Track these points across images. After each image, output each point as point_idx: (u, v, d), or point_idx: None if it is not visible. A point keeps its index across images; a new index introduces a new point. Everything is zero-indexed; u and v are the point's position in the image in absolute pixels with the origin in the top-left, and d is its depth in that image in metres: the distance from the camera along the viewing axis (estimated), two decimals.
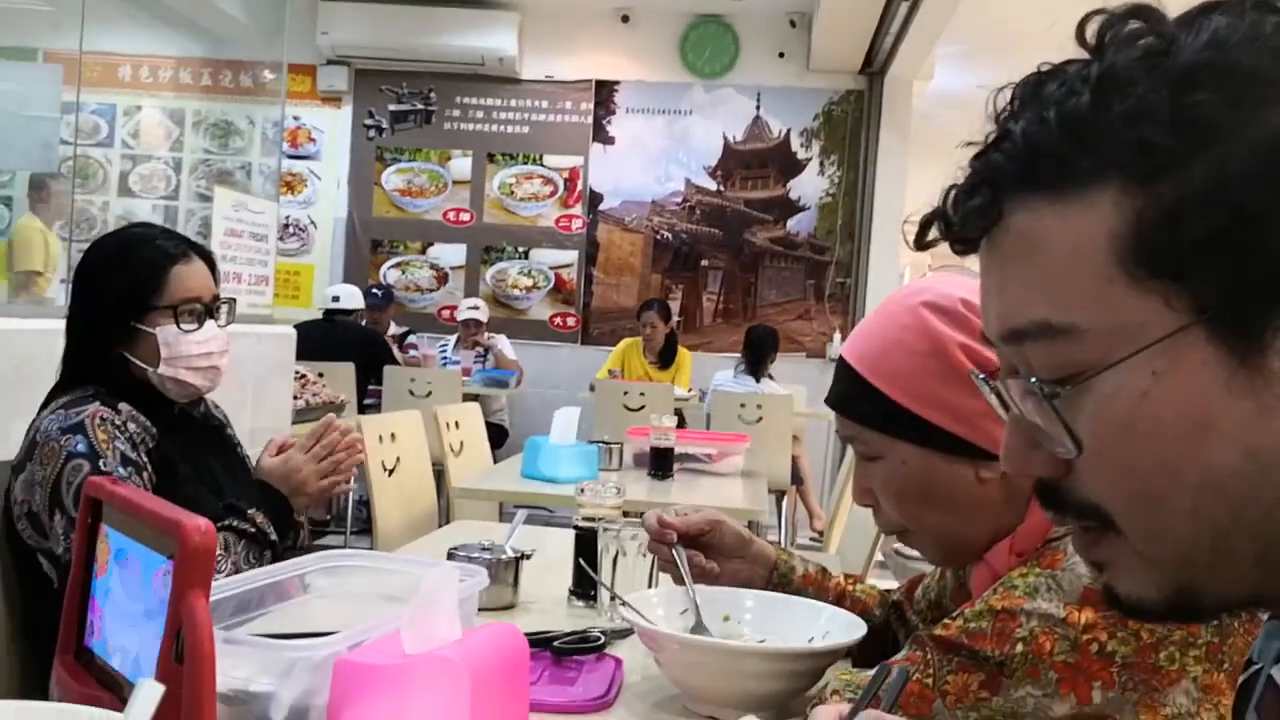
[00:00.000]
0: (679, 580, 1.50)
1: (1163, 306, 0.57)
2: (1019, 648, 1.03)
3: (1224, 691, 1.00)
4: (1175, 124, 0.56)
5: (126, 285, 1.80)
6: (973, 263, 0.70)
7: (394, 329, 7.32)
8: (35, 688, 1.31)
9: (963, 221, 0.64)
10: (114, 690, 1.03)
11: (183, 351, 1.80)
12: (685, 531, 1.52)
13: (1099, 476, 0.61)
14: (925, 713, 1.05)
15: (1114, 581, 0.64)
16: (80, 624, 1.14)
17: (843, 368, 1.22)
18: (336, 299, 6.71)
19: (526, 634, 1.26)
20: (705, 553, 1.52)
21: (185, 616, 0.94)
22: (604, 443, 3.56)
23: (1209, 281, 0.56)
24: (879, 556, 3.93)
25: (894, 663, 1.09)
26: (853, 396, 1.21)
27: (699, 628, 1.42)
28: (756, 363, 6.44)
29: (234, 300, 1.92)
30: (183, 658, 0.94)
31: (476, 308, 7.19)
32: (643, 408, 5.45)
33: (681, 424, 4.97)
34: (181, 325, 1.80)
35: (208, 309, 1.84)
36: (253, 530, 1.74)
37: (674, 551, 1.50)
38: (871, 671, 1.14)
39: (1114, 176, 0.58)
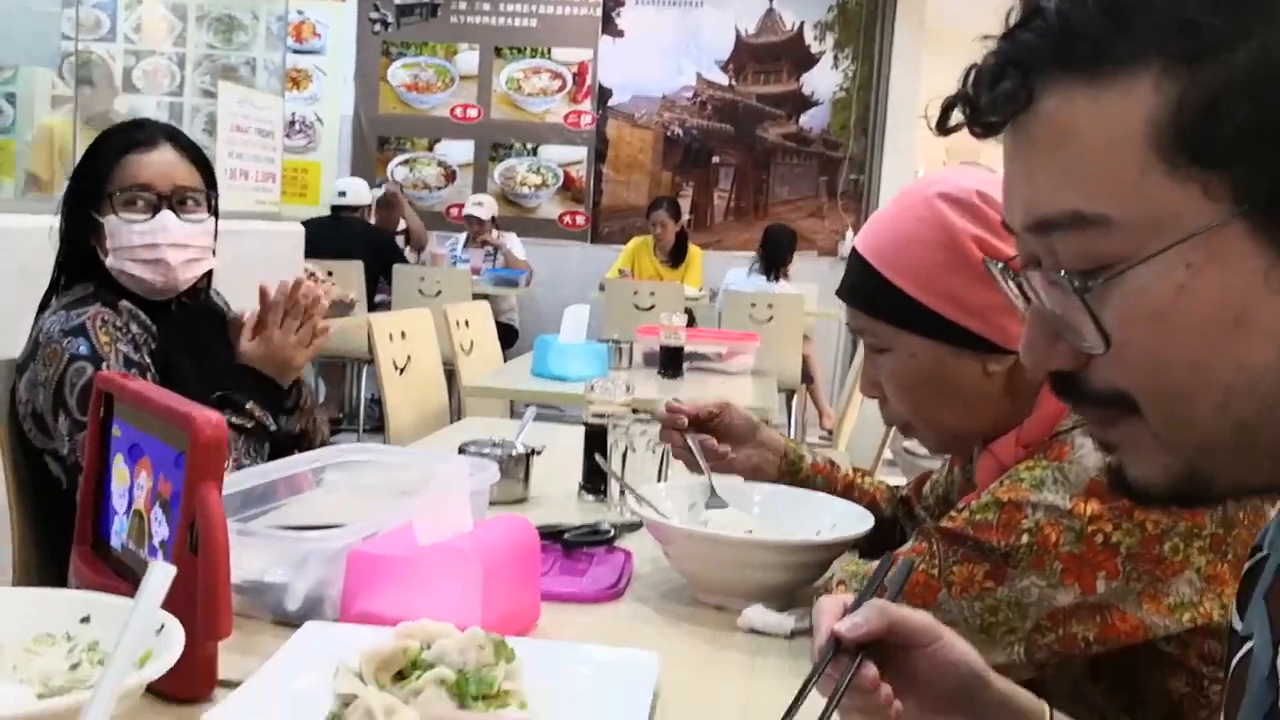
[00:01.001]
0: (693, 467, 1.51)
1: (1201, 197, 0.55)
2: (1024, 539, 1.04)
3: (1227, 581, 1.01)
4: (1221, 3, 0.54)
5: (88, 172, 1.78)
6: (989, 158, 0.69)
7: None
8: (53, 580, 1.34)
9: (990, 106, 0.61)
10: (130, 579, 1.05)
11: (124, 242, 1.73)
12: (695, 415, 1.53)
13: (1124, 369, 0.59)
14: (930, 603, 1.06)
15: (1125, 464, 0.63)
16: (96, 516, 1.15)
17: (855, 259, 1.21)
18: (343, 194, 6.66)
19: (537, 527, 1.28)
20: (716, 438, 1.53)
21: (198, 508, 0.96)
22: (614, 342, 3.56)
23: (1252, 172, 0.54)
24: (888, 454, 3.95)
25: (900, 554, 1.10)
26: (864, 288, 1.20)
27: (714, 500, 1.44)
28: (772, 262, 6.40)
29: (207, 193, 1.82)
30: (197, 548, 0.95)
31: (480, 204, 7.13)
32: (653, 307, 5.44)
33: (692, 323, 4.96)
34: (121, 214, 1.73)
35: (166, 200, 1.76)
36: (250, 424, 1.74)
37: (687, 438, 1.51)
38: (877, 562, 1.16)
39: (1154, 59, 0.55)
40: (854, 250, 1.22)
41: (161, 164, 1.77)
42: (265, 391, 1.78)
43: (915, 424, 1.24)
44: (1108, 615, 1.02)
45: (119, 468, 1.12)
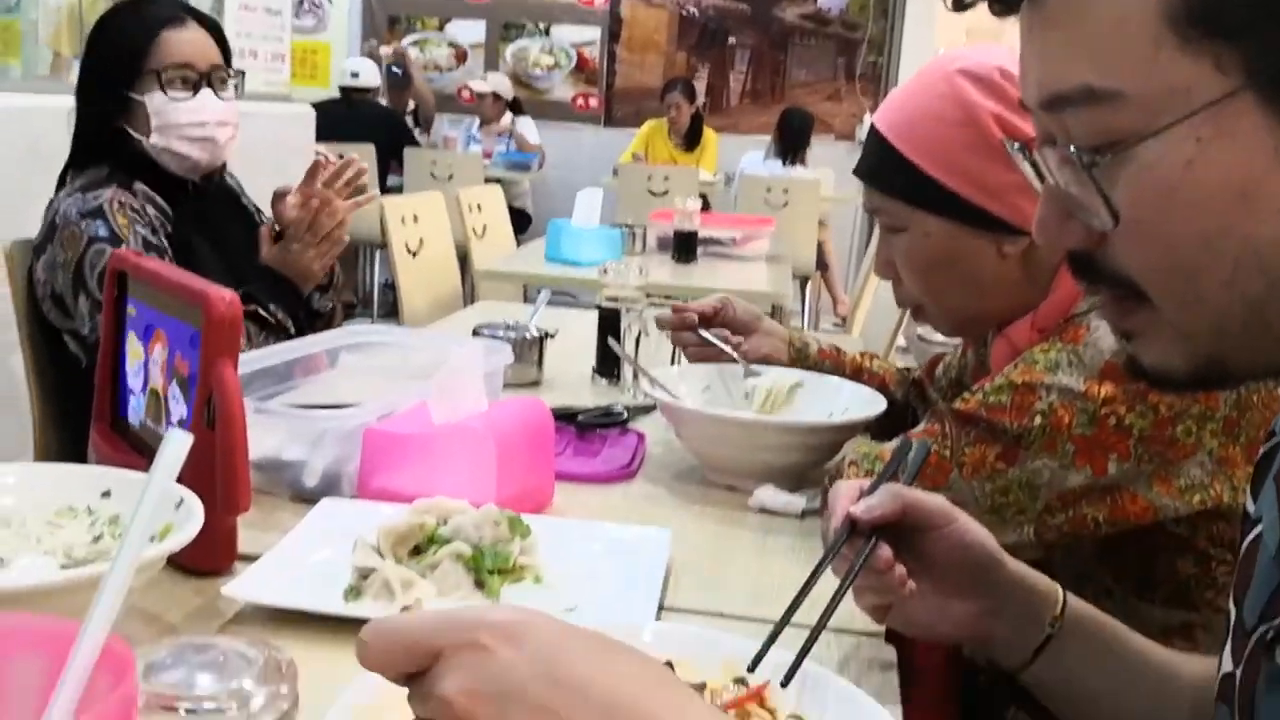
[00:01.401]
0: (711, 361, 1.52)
1: (1212, 70, 0.54)
2: (1037, 420, 1.04)
3: (1239, 464, 1.01)
4: None
5: (116, 50, 1.75)
6: (1011, 39, 0.67)
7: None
8: (74, 459, 1.36)
9: None
10: (148, 456, 1.06)
11: (173, 120, 1.73)
12: (700, 312, 1.53)
13: (1134, 247, 0.59)
14: (941, 483, 1.07)
15: (1141, 352, 0.63)
16: (114, 394, 1.16)
17: (873, 136, 1.19)
18: (356, 74, 6.55)
19: (551, 409, 1.28)
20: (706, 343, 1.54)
21: (215, 384, 0.96)
22: (627, 226, 3.54)
23: (1264, 44, 0.53)
24: (900, 341, 3.95)
25: (913, 435, 1.10)
26: (881, 166, 1.18)
27: (751, 370, 1.46)
28: (789, 147, 6.30)
29: (242, 73, 1.84)
30: (214, 424, 0.96)
31: (485, 80, 7.01)
32: (667, 192, 5.38)
33: (706, 208, 4.92)
34: (169, 92, 1.73)
35: (205, 78, 1.76)
36: (272, 322, 1.75)
37: (702, 333, 1.51)
38: (890, 444, 1.16)
39: None
40: (872, 127, 1.20)
41: (197, 41, 1.77)
42: (286, 296, 1.79)
43: (929, 307, 1.23)
44: (1118, 497, 1.03)
45: (134, 346, 1.13)
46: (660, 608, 0.97)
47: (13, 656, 0.42)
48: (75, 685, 0.39)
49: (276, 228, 1.82)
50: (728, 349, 1.50)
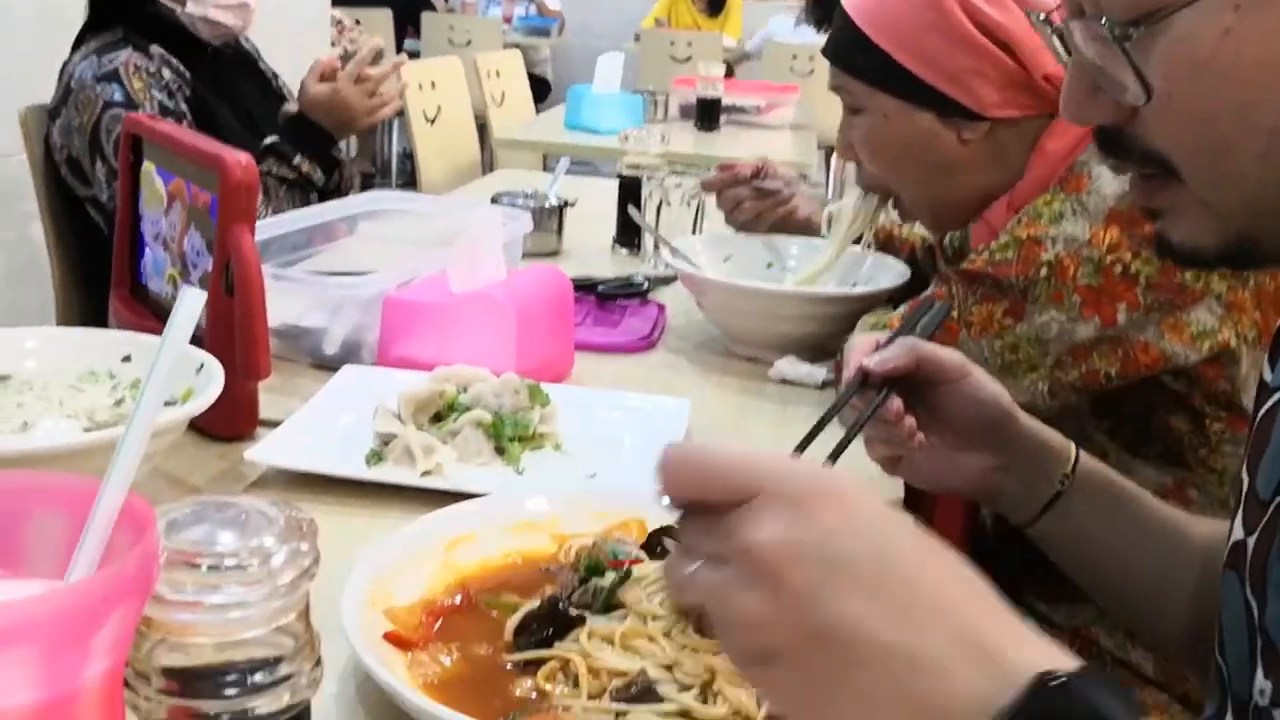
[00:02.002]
0: (757, 223, 1.50)
1: None
2: (1043, 272, 1.03)
3: (1246, 309, 1.00)
4: None
5: None
6: None
7: None
8: (94, 324, 1.37)
9: None
10: (166, 320, 1.06)
11: None
12: (741, 170, 1.51)
13: (1167, 122, 0.58)
14: (951, 344, 1.06)
15: (1169, 230, 0.62)
16: (132, 260, 1.16)
17: (840, 15, 1.17)
18: None
19: (571, 279, 1.27)
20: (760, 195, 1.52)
21: (232, 249, 0.95)
22: (649, 93, 3.47)
23: None
24: None
25: (918, 301, 1.10)
26: (845, 44, 1.16)
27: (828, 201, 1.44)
28: (825, 15, 6.12)
29: None
30: (233, 289, 0.95)
31: None
32: (690, 58, 5.26)
33: (729, 75, 4.81)
34: None
35: None
36: (295, 176, 1.73)
37: (756, 185, 1.50)
38: (898, 311, 1.16)
39: None
40: (839, 6, 1.18)
41: None
42: (317, 142, 1.76)
43: (901, 197, 1.22)
44: (1129, 348, 1.02)
45: (151, 211, 1.12)
46: None
47: (36, 514, 0.42)
48: (97, 541, 0.40)
49: (337, 62, 1.79)
50: (784, 191, 1.48)
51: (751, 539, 0.42)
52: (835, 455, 0.74)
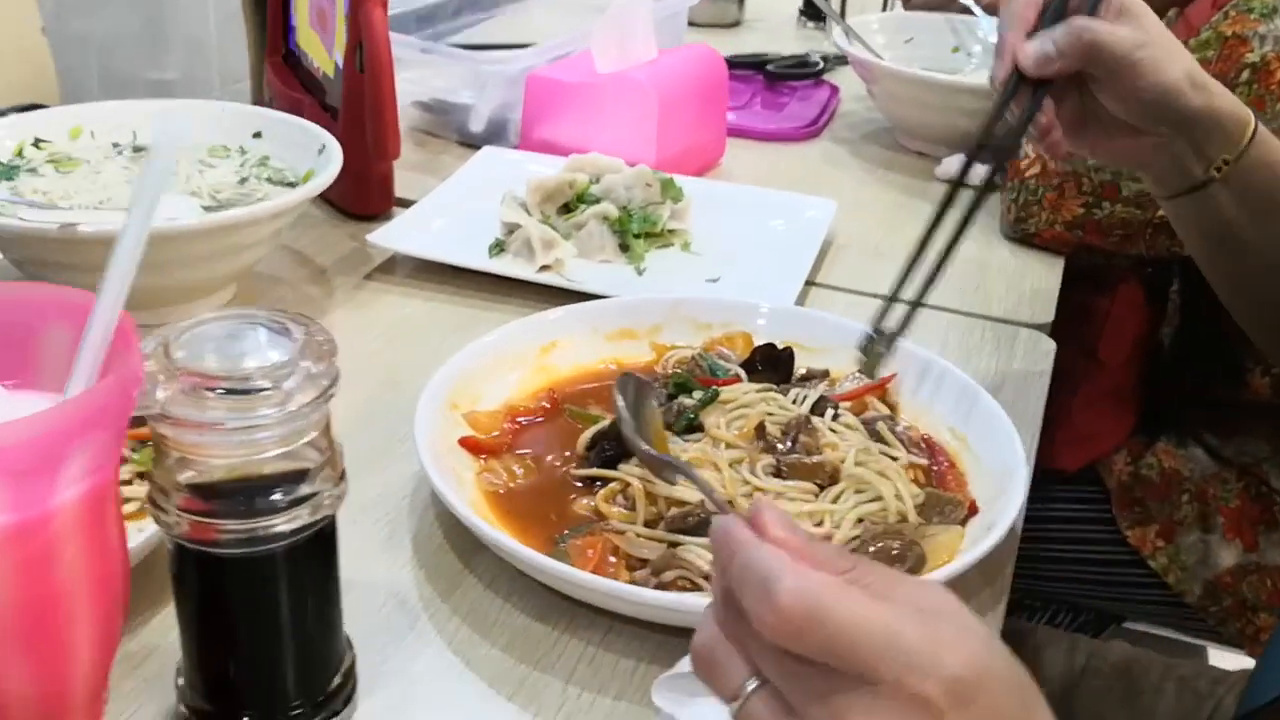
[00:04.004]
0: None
1: None
2: (1244, 75, 0.89)
3: None
4: None
5: None
6: None
7: None
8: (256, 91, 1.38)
9: None
10: (315, 94, 1.06)
11: None
12: None
13: None
14: None
15: None
16: (284, 27, 1.15)
17: None
18: None
19: (743, 55, 1.18)
20: None
21: (364, 27, 0.92)
22: None
23: None
24: None
25: None
26: None
27: None
28: None
29: None
30: (364, 68, 0.93)
31: None
32: None
33: None
34: None
35: None
36: None
37: None
38: None
39: None
40: None
41: None
42: None
43: None
44: None
45: None
46: (809, 284, 0.92)
47: (44, 327, 0.42)
48: (92, 356, 0.39)
49: None
50: None
51: None
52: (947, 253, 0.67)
